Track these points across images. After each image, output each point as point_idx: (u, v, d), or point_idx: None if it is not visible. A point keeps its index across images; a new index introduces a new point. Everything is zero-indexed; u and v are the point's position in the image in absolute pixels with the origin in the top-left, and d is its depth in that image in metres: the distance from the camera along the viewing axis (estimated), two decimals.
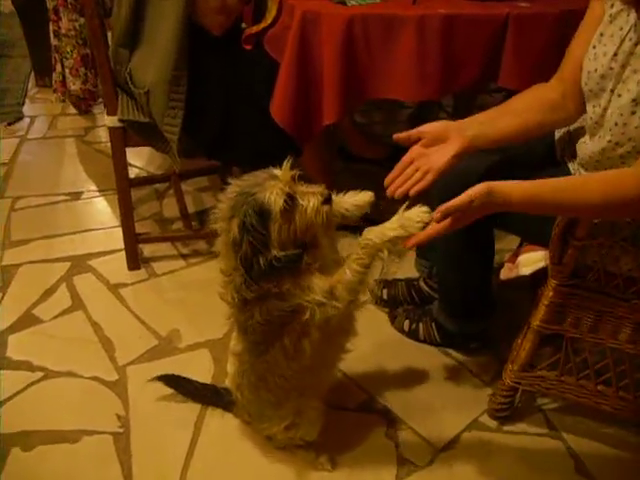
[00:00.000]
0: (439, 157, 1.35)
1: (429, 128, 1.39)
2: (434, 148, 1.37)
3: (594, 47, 1.36)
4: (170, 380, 1.76)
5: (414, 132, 1.40)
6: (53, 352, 1.91)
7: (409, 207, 1.27)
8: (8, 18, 4.01)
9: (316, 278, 1.27)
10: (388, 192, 1.33)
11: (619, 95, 1.29)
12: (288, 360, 1.37)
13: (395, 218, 1.25)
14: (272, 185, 1.21)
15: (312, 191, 1.25)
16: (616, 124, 1.30)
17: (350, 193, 1.41)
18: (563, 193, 1.23)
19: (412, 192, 1.32)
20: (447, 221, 1.21)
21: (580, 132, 1.51)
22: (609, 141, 1.33)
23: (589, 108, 1.41)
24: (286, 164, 1.24)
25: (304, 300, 1.26)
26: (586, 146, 1.44)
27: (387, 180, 1.36)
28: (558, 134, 1.61)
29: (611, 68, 1.31)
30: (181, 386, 1.75)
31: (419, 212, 1.24)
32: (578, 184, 1.28)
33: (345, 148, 2.65)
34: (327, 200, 1.25)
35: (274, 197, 1.20)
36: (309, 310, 1.26)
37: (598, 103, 1.36)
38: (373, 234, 1.25)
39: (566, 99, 1.47)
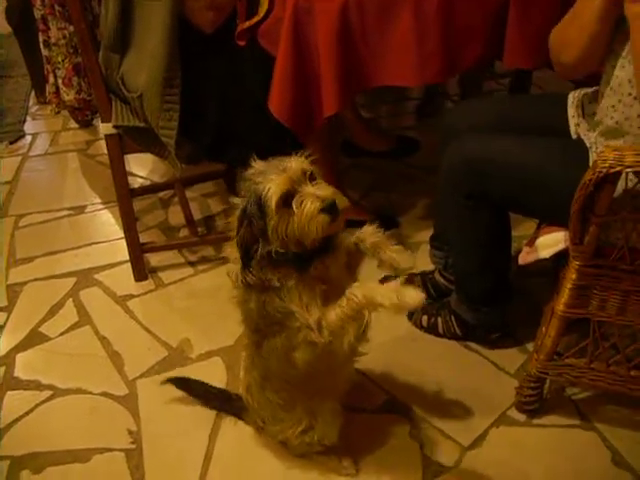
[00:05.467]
0: None
1: None
2: None
3: None
4: (180, 382, 1.71)
5: None
6: (61, 369, 1.87)
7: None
8: (7, 39, 4.00)
9: (315, 301, 1.20)
10: None
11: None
12: (281, 364, 1.31)
13: (391, 287, 1.17)
14: (273, 179, 1.12)
15: (316, 194, 1.12)
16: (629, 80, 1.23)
17: (396, 247, 1.31)
18: None
19: None
20: None
21: (593, 97, 1.45)
22: (629, 94, 1.26)
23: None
24: (299, 157, 1.16)
25: (297, 312, 1.20)
26: (605, 101, 1.37)
27: None
28: (571, 97, 1.55)
29: None
30: (192, 389, 1.71)
31: (414, 294, 1.15)
32: None
33: (350, 142, 2.58)
34: (329, 209, 1.12)
35: (271, 193, 1.11)
36: (299, 324, 1.21)
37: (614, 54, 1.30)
38: (361, 292, 1.17)
39: None
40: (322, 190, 1.14)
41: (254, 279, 1.21)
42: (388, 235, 1.33)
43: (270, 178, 1.13)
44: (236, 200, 1.20)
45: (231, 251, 1.26)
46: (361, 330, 1.24)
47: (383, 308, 1.17)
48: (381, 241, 1.31)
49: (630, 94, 1.29)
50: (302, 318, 1.20)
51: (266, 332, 1.29)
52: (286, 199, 1.12)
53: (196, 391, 1.71)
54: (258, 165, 1.18)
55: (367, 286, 1.19)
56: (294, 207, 1.12)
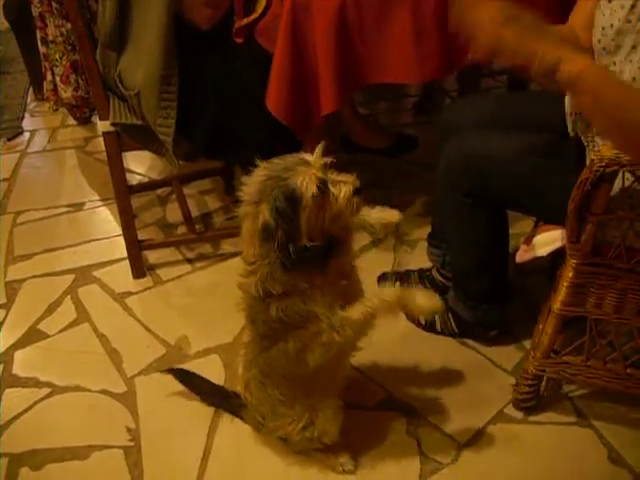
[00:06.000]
0: None
1: None
2: None
3: (610, 1, 1.27)
4: (180, 374, 1.72)
5: None
6: (60, 367, 1.87)
7: None
8: (4, 35, 3.99)
9: (336, 299, 1.24)
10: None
11: (633, 47, 1.21)
12: (289, 365, 1.32)
13: (428, 293, 1.29)
14: (304, 171, 1.16)
15: (344, 180, 1.20)
16: (634, 79, 1.21)
17: (378, 208, 1.37)
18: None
19: None
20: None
21: None
22: None
23: None
24: (318, 150, 1.19)
25: (322, 314, 1.22)
26: None
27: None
28: (568, 107, 1.54)
29: (629, 21, 1.22)
30: (191, 382, 1.71)
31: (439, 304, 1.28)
32: None
33: (348, 139, 2.58)
34: (358, 191, 1.21)
35: (306, 183, 1.15)
36: (322, 325, 1.23)
37: (612, 61, 1.28)
38: (394, 294, 1.26)
39: None
40: (345, 176, 1.21)
41: (278, 288, 1.22)
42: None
43: (301, 170, 1.16)
44: (244, 209, 1.21)
45: (244, 258, 1.28)
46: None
47: (414, 310, 1.28)
48: (363, 210, 1.33)
49: None
50: (326, 319, 1.22)
51: (277, 337, 1.29)
52: (320, 188, 1.16)
53: (195, 386, 1.71)
54: (270, 165, 1.20)
55: (397, 290, 1.29)
56: (333, 191, 1.18)
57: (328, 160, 1.20)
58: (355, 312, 1.24)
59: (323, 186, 1.16)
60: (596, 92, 1.12)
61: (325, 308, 1.22)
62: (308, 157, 1.19)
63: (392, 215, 1.37)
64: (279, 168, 1.18)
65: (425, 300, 1.27)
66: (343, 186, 1.19)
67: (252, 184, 1.19)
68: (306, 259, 1.18)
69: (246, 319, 1.37)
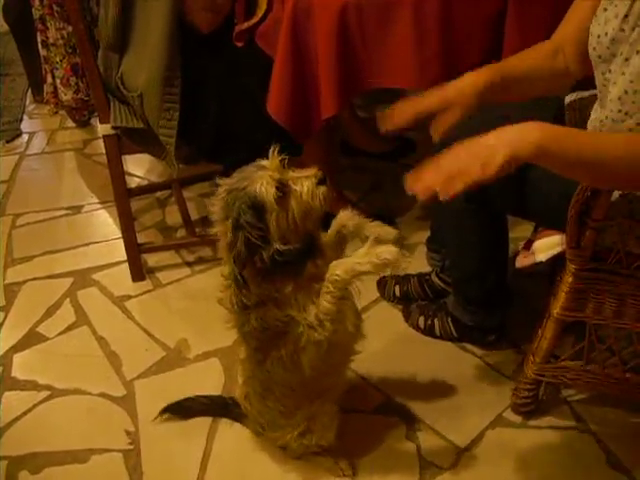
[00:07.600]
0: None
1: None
2: None
3: (605, 10, 1.28)
4: (176, 409, 1.69)
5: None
6: (59, 370, 1.87)
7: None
8: (3, 37, 3.98)
9: (310, 299, 1.22)
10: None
11: (626, 59, 1.21)
12: (287, 372, 1.32)
13: (363, 252, 1.21)
14: (261, 176, 1.16)
15: (305, 175, 1.20)
16: (626, 92, 1.21)
17: (376, 222, 1.35)
18: (586, 138, 1.13)
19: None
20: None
21: (591, 101, 1.44)
22: (619, 110, 1.25)
23: (598, 75, 1.33)
24: (273, 151, 1.19)
25: (298, 316, 1.22)
26: (596, 115, 1.37)
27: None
28: (568, 101, 1.55)
29: (622, 30, 1.22)
30: (189, 410, 1.70)
31: (388, 250, 1.19)
32: (604, 134, 1.22)
33: (348, 143, 2.58)
34: (322, 181, 1.20)
35: (265, 187, 1.14)
36: (301, 327, 1.22)
37: (608, 69, 1.28)
38: (341, 269, 1.20)
39: (564, 57, 1.42)
40: (305, 171, 1.21)
41: (251, 298, 1.22)
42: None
43: (258, 175, 1.16)
44: (216, 229, 1.21)
45: (224, 275, 1.28)
46: (354, 307, 1.30)
47: (368, 274, 1.21)
48: (361, 221, 1.35)
49: (620, 110, 1.27)
50: (303, 320, 1.22)
51: (269, 347, 1.30)
52: (280, 188, 1.15)
53: (193, 410, 1.70)
54: (229, 179, 1.20)
55: (343, 262, 1.22)
56: (295, 189, 1.17)
57: (285, 159, 1.20)
58: (324, 304, 1.21)
59: (282, 186, 1.16)
60: (559, 155, 1.11)
61: (300, 310, 1.22)
62: (264, 162, 1.19)
63: (388, 233, 1.34)
64: (237, 180, 1.18)
65: (374, 259, 1.18)
66: (305, 180, 1.19)
67: (217, 202, 1.20)
68: (282, 263, 1.18)
69: (238, 336, 1.37)
